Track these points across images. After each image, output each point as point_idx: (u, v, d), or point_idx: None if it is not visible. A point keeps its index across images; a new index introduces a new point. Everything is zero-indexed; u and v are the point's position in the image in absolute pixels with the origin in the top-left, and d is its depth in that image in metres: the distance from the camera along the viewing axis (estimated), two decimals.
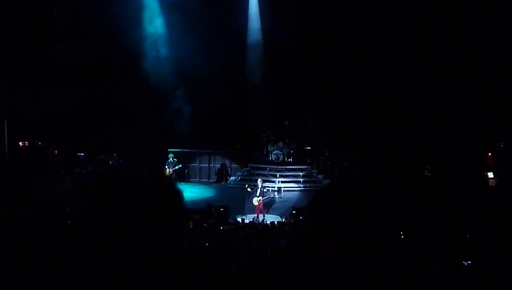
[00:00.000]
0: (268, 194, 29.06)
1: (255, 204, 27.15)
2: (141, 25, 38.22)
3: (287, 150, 35.91)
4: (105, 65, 36.88)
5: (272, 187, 32.40)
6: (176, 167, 32.47)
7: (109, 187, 3.09)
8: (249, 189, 28.52)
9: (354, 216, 3.25)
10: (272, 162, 35.69)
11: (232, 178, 35.87)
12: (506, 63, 33.14)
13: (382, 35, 35.33)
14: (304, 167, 35.29)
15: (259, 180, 29.23)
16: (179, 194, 3.24)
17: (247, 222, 23.87)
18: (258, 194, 27.59)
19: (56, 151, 33.86)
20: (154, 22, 38.46)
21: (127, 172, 32.96)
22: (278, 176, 34.28)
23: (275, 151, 35.77)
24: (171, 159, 32.64)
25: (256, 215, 26.34)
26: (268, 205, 28.40)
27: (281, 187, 33.10)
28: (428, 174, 32.29)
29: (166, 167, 32.39)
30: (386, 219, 3.43)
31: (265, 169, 35.34)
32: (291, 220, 22.96)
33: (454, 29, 34.02)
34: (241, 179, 35.02)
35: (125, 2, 35.57)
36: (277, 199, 29.86)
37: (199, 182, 36.38)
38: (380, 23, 35.16)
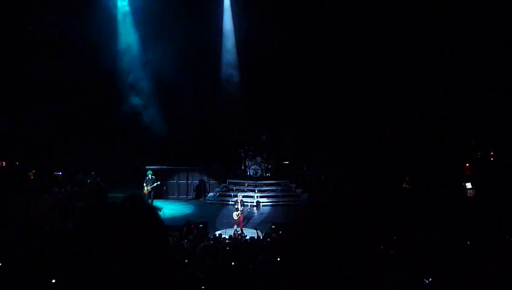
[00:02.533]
0: (247, 208, 29.10)
1: (235, 218, 27.21)
2: (116, 42, 38.25)
3: (265, 164, 35.95)
4: (81, 83, 36.88)
5: (250, 202, 32.43)
6: (154, 184, 32.37)
7: (91, 213, 3.17)
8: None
9: (336, 234, 3.35)
10: (250, 177, 35.70)
11: (211, 194, 35.84)
12: (481, 73, 33.47)
13: (359, 49, 35.58)
14: (282, 181, 35.32)
15: (239, 194, 29.27)
16: (156, 216, 3.32)
17: (226, 236, 23.88)
18: (238, 208, 27.66)
19: (33, 171, 33.72)
20: (129, 39, 38.52)
21: (105, 191, 33.06)
22: (256, 191, 34.29)
23: (253, 167, 35.81)
24: (149, 176, 32.54)
25: (235, 227, 26.40)
26: (246, 218, 28.41)
27: (259, 202, 33.11)
28: (407, 186, 32.40)
29: (145, 184, 32.29)
30: (366, 235, 3.53)
31: (243, 184, 35.34)
32: (272, 235, 22.98)
33: (426, 45, 34.38)
34: (219, 195, 35.02)
35: (100, 20, 35.49)
36: (256, 213, 29.82)
37: (178, 199, 36.35)
38: (354, 37, 35.43)
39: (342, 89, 36.17)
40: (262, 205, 32.83)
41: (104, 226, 3.09)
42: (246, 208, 28.77)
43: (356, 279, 3.23)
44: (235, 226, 26.63)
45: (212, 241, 21.32)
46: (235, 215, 27.37)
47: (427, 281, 11.23)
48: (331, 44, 36.05)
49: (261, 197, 33.82)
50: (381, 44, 35.25)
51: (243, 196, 30.43)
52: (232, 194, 33.76)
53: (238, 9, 38.84)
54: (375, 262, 3.33)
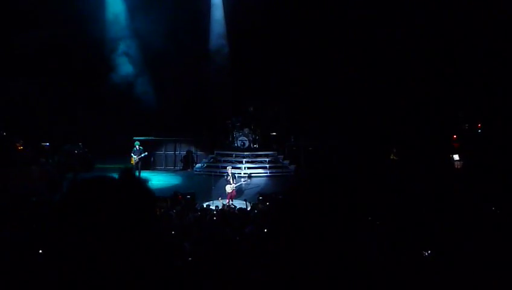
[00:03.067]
0: (240, 181, 29.07)
1: (229, 191, 27.22)
2: (103, 10, 38.05)
3: (253, 136, 35.95)
4: (68, 54, 36.67)
5: (240, 173, 32.40)
6: (142, 155, 32.37)
7: (81, 187, 3.18)
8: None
9: (325, 208, 3.37)
10: (238, 149, 35.72)
11: (198, 165, 35.86)
12: (469, 45, 33.52)
13: (346, 20, 35.55)
14: (270, 152, 35.37)
15: (228, 168, 29.25)
16: (146, 190, 3.34)
17: (214, 207, 23.89)
18: (231, 182, 27.65)
19: (21, 142, 33.62)
20: (116, 7, 38.28)
21: (93, 162, 33.03)
22: (244, 162, 34.33)
23: (241, 138, 35.81)
24: (137, 147, 32.52)
25: (227, 201, 26.37)
26: (238, 192, 28.43)
27: (250, 173, 33.11)
28: (394, 158, 32.50)
29: (132, 154, 32.27)
30: (354, 210, 3.56)
31: (231, 155, 35.36)
32: (259, 206, 23.01)
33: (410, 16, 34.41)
34: (207, 166, 35.03)
35: None
36: (244, 185, 29.85)
37: (165, 170, 36.36)
38: (343, 9, 35.39)
39: (330, 59, 36.13)
40: (250, 176, 32.84)
41: (93, 199, 3.11)
42: (239, 182, 28.77)
43: (344, 252, 3.25)
44: (228, 200, 26.61)
45: (199, 213, 21.35)
46: (228, 188, 27.39)
47: (426, 253, 11.25)
48: (321, 13, 35.95)
49: (248, 168, 33.85)
50: (372, 13, 35.23)
51: (232, 168, 30.47)
52: (220, 165, 33.80)
53: None
54: (363, 234, 3.35)
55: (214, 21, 39.66)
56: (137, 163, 32.23)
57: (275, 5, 36.31)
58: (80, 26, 35.39)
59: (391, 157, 32.57)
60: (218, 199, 26.19)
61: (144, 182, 3.38)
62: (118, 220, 3.08)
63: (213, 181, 29.47)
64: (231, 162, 34.06)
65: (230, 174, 28.08)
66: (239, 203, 25.72)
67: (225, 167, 31.23)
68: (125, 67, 37.39)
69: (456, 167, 31.31)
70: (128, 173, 3.33)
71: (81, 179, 3.31)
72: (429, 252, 11.00)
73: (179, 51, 36.83)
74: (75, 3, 34.35)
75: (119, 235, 3.06)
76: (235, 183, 27.71)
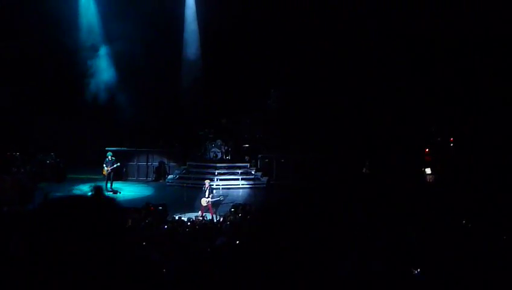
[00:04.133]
0: (216, 197, 29.02)
1: (203, 205, 27.15)
2: (76, 18, 37.98)
3: (225, 147, 35.99)
4: (41, 62, 36.62)
5: (218, 188, 32.38)
6: (114, 166, 32.29)
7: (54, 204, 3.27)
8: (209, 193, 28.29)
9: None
10: (210, 160, 35.73)
11: (171, 176, 35.80)
12: (442, 57, 33.86)
13: (320, 31, 35.74)
14: (242, 164, 35.43)
15: (206, 181, 29.19)
16: (116, 208, 3.43)
17: (185, 219, 23.88)
18: (206, 195, 27.59)
19: None
20: (89, 15, 38.30)
21: (65, 172, 32.89)
22: (216, 173, 34.34)
23: (213, 149, 35.83)
24: (109, 157, 32.44)
25: (201, 214, 26.31)
26: (213, 206, 28.30)
27: (219, 185, 33.11)
28: (367, 171, 32.67)
29: (104, 165, 32.20)
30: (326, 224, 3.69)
31: (203, 167, 35.38)
32: (230, 217, 23.07)
33: (388, 26, 34.66)
34: (179, 177, 35.01)
35: None
36: (219, 199, 29.77)
37: (137, 181, 36.27)
38: (317, 20, 35.59)
39: (302, 71, 36.34)
40: (222, 188, 32.86)
41: (63, 217, 3.18)
42: (215, 197, 28.70)
43: (316, 265, 3.34)
44: (201, 213, 26.54)
45: (171, 224, 21.37)
46: (203, 201, 27.31)
47: (416, 272, 11.32)
48: (294, 22, 36.17)
49: (220, 180, 33.88)
50: (348, 28, 35.53)
51: (202, 179, 30.50)
52: (192, 176, 33.80)
53: None
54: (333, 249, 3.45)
55: (188, 31, 39.71)
56: (109, 174, 32.16)
57: (249, 16, 36.44)
58: (52, 34, 35.36)
59: (363, 170, 32.73)
60: (199, 212, 26.30)
61: (113, 201, 3.47)
62: (87, 237, 3.16)
63: (185, 193, 29.44)
64: (203, 173, 34.09)
65: (207, 188, 28.03)
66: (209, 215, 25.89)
67: (200, 179, 31.29)
68: (98, 76, 37.32)
69: (428, 180, 31.55)
70: (98, 191, 3.42)
71: (52, 198, 3.40)
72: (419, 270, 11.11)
73: (153, 60, 36.89)
74: (48, 11, 34.29)
75: (89, 250, 3.14)
76: (211, 198, 27.65)
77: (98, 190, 3.45)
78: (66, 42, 36.44)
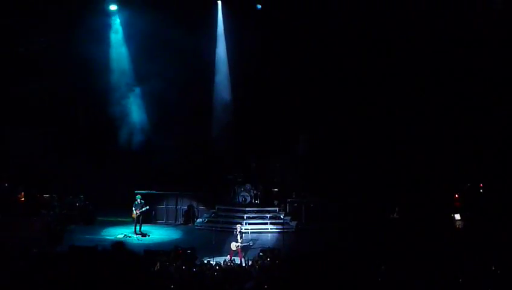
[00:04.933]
0: (246, 239, 28.83)
1: (233, 249, 26.96)
2: (107, 61, 38.19)
3: (254, 191, 35.89)
4: (72, 104, 36.93)
5: (248, 233, 32.24)
6: (143, 209, 32.27)
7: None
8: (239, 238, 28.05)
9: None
10: (239, 204, 35.63)
11: (199, 220, 35.74)
12: (468, 103, 33.75)
13: (348, 77, 35.79)
14: (271, 208, 35.28)
15: (238, 225, 29.05)
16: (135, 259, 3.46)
17: (214, 263, 23.74)
18: (238, 239, 27.44)
19: (23, 193, 33.65)
20: (120, 57, 38.47)
21: (94, 214, 32.98)
22: (245, 217, 34.20)
23: (242, 193, 35.74)
24: (138, 200, 32.44)
25: (229, 258, 26.16)
26: (243, 250, 28.05)
27: (248, 229, 32.92)
28: (396, 216, 32.41)
29: (134, 208, 32.17)
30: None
31: (232, 211, 35.28)
32: (259, 262, 22.92)
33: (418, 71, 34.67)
34: (208, 221, 34.92)
35: (91, 40, 35.55)
36: (250, 244, 29.49)
37: (166, 224, 36.14)
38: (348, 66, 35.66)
39: (332, 115, 36.32)
40: (251, 232, 32.72)
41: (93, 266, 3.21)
42: (246, 242, 28.47)
43: None
44: (229, 257, 26.37)
45: (200, 267, 21.27)
46: (233, 246, 27.11)
47: None
48: (326, 70, 36.24)
49: (249, 224, 33.73)
50: (372, 59, 35.56)
51: (232, 222, 30.45)
52: (221, 220, 33.72)
53: (231, 32, 38.74)
54: None
55: (219, 74, 39.66)
56: (138, 217, 32.15)
57: (280, 56, 36.56)
58: (84, 76, 35.70)
59: (393, 215, 32.47)
60: (227, 256, 26.14)
61: (134, 254, 3.51)
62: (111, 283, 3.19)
63: (214, 236, 29.34)
64: (232, 217, 34.01)
65: (239, 232, 27.88)
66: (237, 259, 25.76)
67: (228, 223, 31.29)
68: (129, 119, 37.53)
69: (457, 226, 31.24)
70: (120, 245, 3.45)
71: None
72: None
73: (184, 103, 37.09)
74: (79, 52, 34.66)
75: None
76: (241, 243, 27.47)
77: (118, 245, 3.48)
78: (98, 84, 36.73)
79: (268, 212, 34.96)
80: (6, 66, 35.04)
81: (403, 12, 34.06)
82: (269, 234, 33.21)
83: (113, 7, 37.23)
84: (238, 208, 35.36)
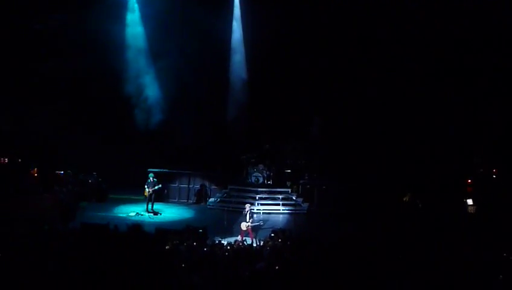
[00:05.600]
0: (256, 221, 28.78)
1: (243, 229, 26.92)
2: (123, 40, 38.13)
3: (267, 172, 35.87)
4: (86, 82, 36.88)
5: (259, 212, 32.27)
6: (156, 187, 32.30)
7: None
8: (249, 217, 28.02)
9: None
10: (252, 184, 35.64)
11: (212, 199, 35.80)
12: (485, 87, 33.57)
13: (363, 61, 35.64)
14: (284, 189, 35.27)
15: (247, 205, 29.04)
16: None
17: (225, 243, 23.73)
18: (247, 219, 27.41)
19: (36, 169, 33.74)
20: (136, 36, 38.40)
21: (106, 192, 33.05)
22: (257, 198, 34.21)
23: (255, 174, 35.72)
24: (151, 178, 32.46)
25: (240, 238, 26.19)
26: (253, 230, 28.01)
27: (260, 210, 32.93)
28: (408, 200, 32.32)
29: (146, 186, 32.21)
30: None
31: (244, 191, 35.31)
32: (270, 243, 22.91)
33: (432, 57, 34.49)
34: (220, 201, 34.96)
35: (106, 18, 35.49)
36: (260, 224, 29.44)
37: (178, 203, 36.20)
38: (364, 50, 35.52)
39: (347, 99, 36.20)
40: (263, 213, 32.73)
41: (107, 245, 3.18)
42: (255, 222, 28.40)
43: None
44: (240, 237, 26.39)
45: (211, 247, 21.27)
46: (243, 225, 27.07)
47: None
48: (343, 51, 36.10)
49: (261, 204, 33.74)
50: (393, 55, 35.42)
51: (244, 202, 30.44)
52: (233, 200, 33.77)
53: (248, 12, 38.46)
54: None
55: (235, 54, 39.53)
56: (150, 195, 32.20)
57: (297, 36, 36.46)
58: (100, 54, 35.66)
59: (404, 199, 32.39)
60: (239, 236, 26.14)
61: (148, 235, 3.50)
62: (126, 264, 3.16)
63: (226, 216, 29.36)
64: (244, 197, 34.04)
65: (248, 212, 27.85)
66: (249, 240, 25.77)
67: (241, 203, 31.28)
68: (142, 98, 37.53)
69: (469, 211, 31.14)
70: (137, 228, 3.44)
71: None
72: None
73: (199, 83, 37.08)
74: (95, 30, 34.68)
75: (128, 270, 3.14)
76: (251, 223, 27.44)
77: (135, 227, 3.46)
78: (113, 63, 36.70)
79: (281, 193, 34.96)
80: (22, 43, 35.07)
81: None
82: (281, 215, 33.22)
83: None
84: (250, 188, 35.37)
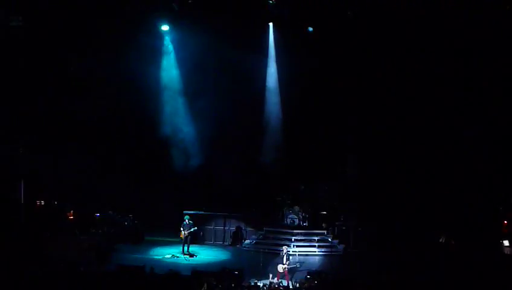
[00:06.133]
0: (293, 262, 28.71)
1: (280, 271, 26.80)
2: (158, 82, 38.49)
3: (303, 214, 35.75)
4: (122, 124, 37.18)
5: (295, 255, 32.19)
6: (192, 229, 32.34)
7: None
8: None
9: None
10: (287, 226, 35.52)
11: (247, 241, 35.72)
12: None
13: (395, 98, 35.58)
14: (319, 231, 35.10)
15: (284, 247, 28.86)
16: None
17: (261, 285, 23.62)
18: (284, 261, 27.27)
19: (72, 211, 33.96)
20: (172, 80, 38.67)
21: (142, 234, 33.15)
22: (293, 240, 34.09)
23: (290, 215, 35.65)
24: (186, 221, 32.52)
25: (277, 280, 25.96)
26: (289, 272, 27.85)
27: (295, 252, 32.80)
28: (443, 242, 32.10)
29: (182, 229, 32.27)
30: None
31: (280, 233, 35.17)
32: (306, 285, 22.79)
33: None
34: (256, 243, 34.87)
35: (143, 60, 35.92)
36: (297, 267, 29.30)
37: (214, 245, 36.15)
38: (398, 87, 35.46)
39: (381, 138, 36.10)
40: (299, 255, 32.61)
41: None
42: (292, 265, 28.27)
43: None
44: (276, 279, 26.18)
45: (247, 289, 21.19)
46: (280, 267, 26.93)
47: None
48: (376, 93, 36.06)
49: (297, 246, 33.62)
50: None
51: (280, 244, 30.30)
52: (268, 242, 33.70)
53: (282, 54, 38.61)
54: None
55: (270, 96, 39.56)
56: (186, 237, 32.23)
57: (330, 77, 36.50)
58: (136, 96, 36.02)
59: (441, 240, 32.15)
60: (269, 278, 25.94)
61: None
62: None
63: (262, 258, 29.24)
64: (280, 239, 33.91)
65: (285, 254, 27.69)
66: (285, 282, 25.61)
67: (276, 245, 31.20)
68: (178, 140, 37.73)
69: (506, 252, 30.84)
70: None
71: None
72: None
73: (234, 125, 37.17)
74: (130, 72, 35.05)
75: None
76: (288, 264, 27.29)
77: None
78: (150, 104, 37.05)
79: (316, 235, 34.79)
80: (59, 85, 35.43)
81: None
82: (316, 257, 33.08)
83: (165, 27, 37.35)
84: (286, 230, 35.23)
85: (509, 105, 33.34)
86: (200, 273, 24.17)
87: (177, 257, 31.68)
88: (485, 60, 33.20)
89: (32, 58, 34.08)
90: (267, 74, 39.49)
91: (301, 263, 30.29)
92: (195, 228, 32.88)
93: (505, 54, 32.52)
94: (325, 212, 36.50)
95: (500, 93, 33.64)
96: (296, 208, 35.86)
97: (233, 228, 36.70)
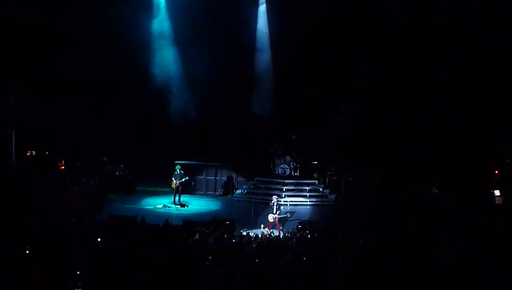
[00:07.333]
0: (284, 211, 28.82)
1: (270, 221, 26.88)
2: (150, 33, 38.21)
3: (294, 164, 35.77)
4: (114, 75, 36.92)
5: (286, 204, 32.31)
6: (183, 179, 32.36)
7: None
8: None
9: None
10: (279, 176, 35.57)
11: (239, 191, 35.80)
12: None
13: (390, 50, 35.36)
14: (311, 181, 35.17)
15: (274, 197, 28.94)
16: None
17: (252, 234, 23.69)
18: (274, 211, 27.33)
19: (63, 162, 33.90)
20: (163, 31, 38.41)
21: (133, 184, 33.15)
22: (284, 190, 34.16)
23: (282, 165, 35.64)
24: (178, 171, 32.53)
25: (268, 230, 26.07)
26: (280, 222, 27.94)
27: (287, 202, 32.89)
28: (436, 191, 32.16)
29: (173, 179, 32.29)
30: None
31: (271, 183, 35.26)
32: (297, 235, 22.86)
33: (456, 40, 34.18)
34: (247, 193, 34.93)
35: (135, 12, 35.65)
36: (287, 217, 29.39)
37: (205, 195, 36.30)
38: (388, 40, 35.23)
39: (374, 89, 35.94)
40: (290, 204, 32.69)
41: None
42: (282, 214, 28.37)
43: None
44: (267, 229, 26.27)
45: (238, 239, 21.25)
46: (270, 217, 27.05)
47: None
48: (369, 42, 35.85)
49: (288, 196, 33.69)
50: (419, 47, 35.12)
51: (271, 194, 30.31)
52: (259, 192, 33.78)
53: (274, 2, 38.43)
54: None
55: (260, 43, 39.32)
56: (177, 187, 32.27)
57: (322, 29, 36.23)
58: (126, 47, 35.76)
59: (433, 190, 32.22)
60: (261, 228, 26.01)
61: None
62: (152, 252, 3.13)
63: (253, 208, 29.29)
64: (271, 189, 33.98)
65: (275, 204, 27.75)
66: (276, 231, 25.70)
67: (268, 195, 31.21)
68: (169, 90, 37.57)
69: (496, 202, 30.92)
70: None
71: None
72: None
73: (224, 76, 36.95)
74: (123, 25, 34.73)
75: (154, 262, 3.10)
76: (278, 214, 27.37)
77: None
78: (140, 58, 36.86)
79: (308, 185, 34.88)
80: (48, 37, 35.13)
81: None
82: (308, 207, 33.16)
83: None
84: (277, 180, 35.33)
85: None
86: (191, 223, 24.23)
87: (169, 207, 31.75)
88: None
89: (23, 10, 33.73)
90: (258, 23, 39.20)
91: (292, 212, 30.43)
92: (187, 178, 32.91)
93: None
94: (316, 162, 36.52)
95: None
96: (288, 157, 35.83)
97: (224, 178, 36.77)
